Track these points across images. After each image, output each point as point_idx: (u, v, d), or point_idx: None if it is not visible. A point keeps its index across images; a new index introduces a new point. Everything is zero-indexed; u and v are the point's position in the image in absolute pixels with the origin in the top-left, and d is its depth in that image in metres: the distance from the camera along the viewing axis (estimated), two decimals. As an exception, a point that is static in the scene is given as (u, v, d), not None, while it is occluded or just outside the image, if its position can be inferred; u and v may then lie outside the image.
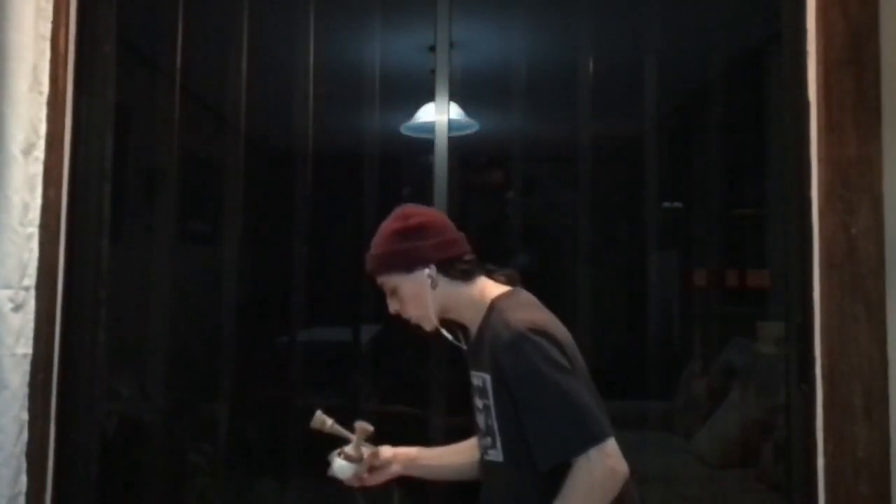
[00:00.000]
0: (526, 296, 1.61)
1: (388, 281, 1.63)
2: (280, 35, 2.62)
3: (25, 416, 1.94)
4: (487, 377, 1.52)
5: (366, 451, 1.66)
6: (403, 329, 1.73)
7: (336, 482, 1.68)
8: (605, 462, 1.39)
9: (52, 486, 2.05)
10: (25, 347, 1.95)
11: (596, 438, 1.39)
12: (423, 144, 2.81)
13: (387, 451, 1.72)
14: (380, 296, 1.68)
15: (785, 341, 2.16)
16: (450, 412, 2.19)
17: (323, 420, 1.67)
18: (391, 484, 1.77)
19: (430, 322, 1.62)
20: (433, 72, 2.23)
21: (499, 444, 1.52)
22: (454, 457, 1.78)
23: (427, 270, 1.58)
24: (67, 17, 2.09)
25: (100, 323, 2.16)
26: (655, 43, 2.52)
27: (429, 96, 2.27)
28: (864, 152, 1.91)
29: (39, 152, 1.98)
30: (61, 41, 2.06)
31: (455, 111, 2.68)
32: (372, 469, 1.70)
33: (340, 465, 1.65)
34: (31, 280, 1.96)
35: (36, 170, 1.98)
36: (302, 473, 2.78)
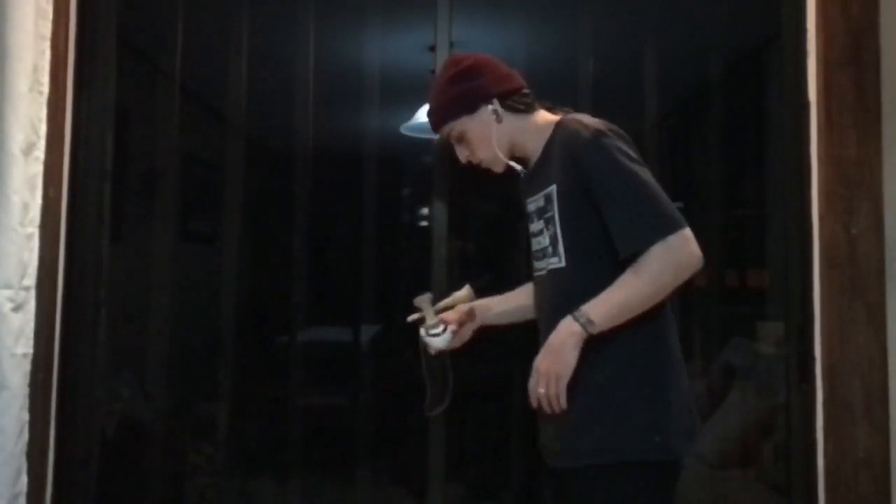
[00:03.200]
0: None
1: (454, 128, 1.63)
2: (280, 35, 2.62)
3: (26, 416, 1.94)
4: (553, 188, 1.53)
5: (446, 313, 1.72)
6: (403, 329, 1.73)
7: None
8: (684, 245, 1.42)
9: (52, 486, 2.05)
10: (25, 347, 1.95)
11: (676, 224, 1.43)
12: (423, 144, 2.81)
13: (461, 311, 1.76)
14: (379, 296, 1.69)
15: (785, 341, 2.16)
16: (449, 412, 2.19)
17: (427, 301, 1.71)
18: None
19: (500, 162, 1.63)
20: (433, 72, 2.23)
21: (561, 249, 1.53)
22: (519, 298, 1.80)
23: (490, 106, 1.59)
24: (67, 17, 2.09)
25: (100, 323, 2.16)
26: (655, 43, 2.52)
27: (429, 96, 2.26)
28: (864, 152, 1.91)
29: (39, 152, 1.98)
30: (61, 41, 2.06)
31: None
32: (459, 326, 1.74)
33: (432, 341, 1.69)
34: (31, 280, 1.96)
35: (36, 170, 1.98)
36: (302, 473, 2.78)
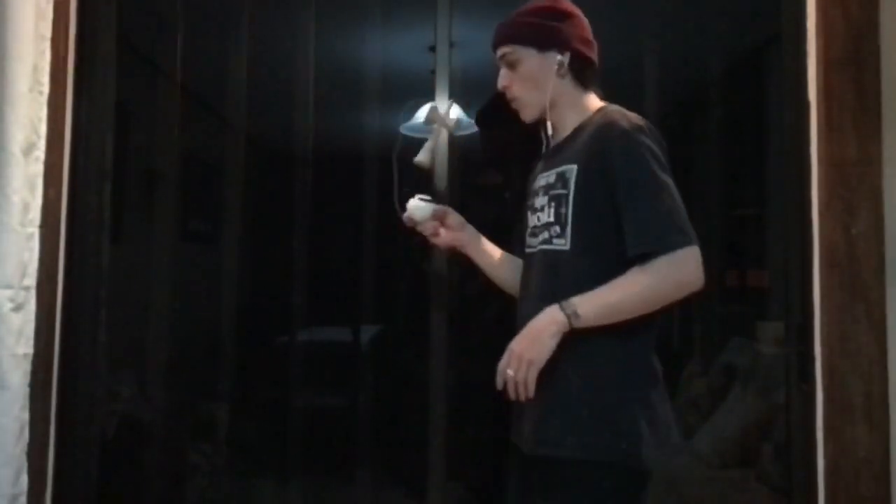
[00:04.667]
0: None
1: (514, 53, 1.56)
2: (280, 35, 2.62)
3: (26, 416, 1.94)
4: (573, 167, 1.48)
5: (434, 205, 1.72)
6: (403, 329, 1.72)
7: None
8: (690, 262, 1.40)
9: (52, 486, 2.05)
10: (25, 347, 1.95)
11: (688, 239, 1.41)
12: (423, 144, 2.81)
13: (457, 216, 1.75)
14: (379, 296, 1.68)
15: (785, 341, 2.16)
16: (449, 412, 2.19)
17: (438, 116, 1.75)
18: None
19: (535, 110, 1.58)
20: (433, 72, 2.23)
21: (569, 231, 1.48)
22: (506, 263, 1.79)
23: (560, 56, 1.54)
24: (67, 17, 2.09)
25: (100, 323, 2.16)
26: (655, 43, 2.52)
27: (429, 96, 2.27)
28: (864, 152, 1.91)
29: (40, 152, 1.98)
30: (61, 41, 2.06)
31: (455, 111, 2.68)
32: (442, 227, 1.74)
33: (417, 205, 1.68)
34: (31, 280, 1.96)
35: (36, 170, 1.98)
36: (302, 474, 2.78)
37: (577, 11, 1.60)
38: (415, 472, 1.77)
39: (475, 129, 3.49)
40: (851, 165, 1.91)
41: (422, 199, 1.70)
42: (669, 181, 1.44)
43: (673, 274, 1.40)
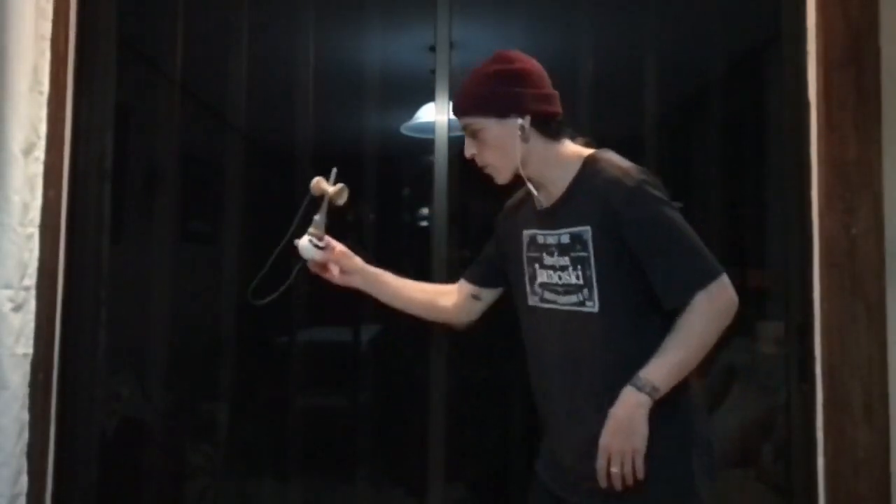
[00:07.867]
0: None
1: (475, 124, 1.57)
2: (280, 35, 2.62)
3: (26, 416, 1.95)
4: (586, 229, 1.50)
5: (332, 242, 1.75)
6: (403, 329, 1.73)
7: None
8: (724, 293, 1.45)
9: (52, 486, 2.05)
10: (25, 347, 1.95)
11: (715, 273, 1.45)
12: (423, 144, 2.81)
13: (357, 261, 1.79)
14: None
15: (785, 341, 2.16)
16: (449, 412, 2.20)
17: (322, 184, 1.74)
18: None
19: (505, 174, 1.59)
20: (433, 72, 2.24)
21: (596, 294, 1.50)
22: (415, 293, 1.84)
23: (520, 121, 1.54)
24: (67, 17, 2.09)
25: (100, 323, 2.16)
26: (655, 43, 2.52)
27: (429, 96, 2.27)
28: (864, 152, 1.91)
29: (39, 152, 1.99)
30: (61, 41, 2.06)
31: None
32: (340, 268, 1.78)
33: (304, 245, 1.72)
34: (31, 280, 1.96)
35: (36, 170, 1.98)
36: (302, 473, 2.78)
37: (532, 66, 1.60)
38: (415, 472, 1.77)
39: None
40: (851, 165, 1.91)
41: (312, 242, 1.72)
42: (679, 218, 1.47)
43: (713, 310, 1.44)
